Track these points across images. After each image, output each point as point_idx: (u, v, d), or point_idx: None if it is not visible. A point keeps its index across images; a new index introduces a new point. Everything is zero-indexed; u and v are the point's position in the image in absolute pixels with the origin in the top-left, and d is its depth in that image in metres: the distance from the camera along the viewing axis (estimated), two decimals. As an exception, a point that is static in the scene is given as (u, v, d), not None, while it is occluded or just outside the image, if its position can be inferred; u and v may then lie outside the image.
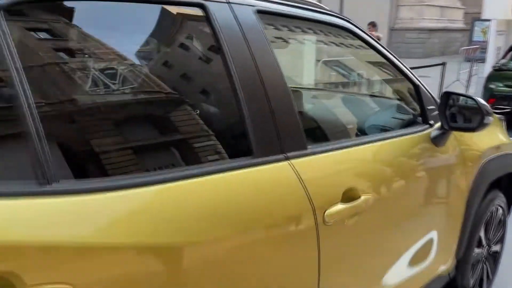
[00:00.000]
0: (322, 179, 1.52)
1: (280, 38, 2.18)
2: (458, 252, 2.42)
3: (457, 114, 2.20)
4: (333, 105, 2.81)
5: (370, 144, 1.79)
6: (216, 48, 1.37)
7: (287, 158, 1.43)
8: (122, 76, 1.23)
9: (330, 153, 1.60)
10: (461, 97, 2.18)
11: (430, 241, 2.16)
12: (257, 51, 1.44)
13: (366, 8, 20.01)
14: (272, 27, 1.85)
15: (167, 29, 1.40)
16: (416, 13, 22.95)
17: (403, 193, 1.90)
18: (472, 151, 2.43)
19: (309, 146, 1.55)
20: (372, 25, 10.20)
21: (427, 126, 2.12)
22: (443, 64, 9.05)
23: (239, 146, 1.40)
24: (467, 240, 2.46)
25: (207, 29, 1.37)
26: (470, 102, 2.15)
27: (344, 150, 1.66)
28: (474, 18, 20.51)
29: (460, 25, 26.42)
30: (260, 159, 1.36)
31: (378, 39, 7.49)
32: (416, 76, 2.18)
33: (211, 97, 1.43)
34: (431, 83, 10.40)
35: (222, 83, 1.42)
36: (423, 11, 23.00)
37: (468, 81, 11.19)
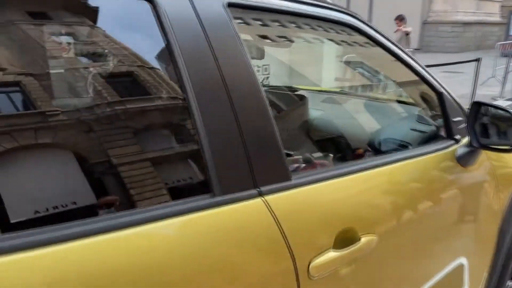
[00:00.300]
0: (307, 220, 1.18)
1: (266, 38, 1.86)
2: (488, 287, 2.06)
3: (489, 125, 1.83)
4: (340, 113, 2.44)
5: (378, 169, 1.43)
6: (165, 52, 1.05)
7: (260, 194, 1.11)
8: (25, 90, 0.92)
9: (323, 183, 1.26)
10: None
11: (453, 279, 1.81)
12: (223, 55, 1.11)
13: (397, 0, 19.34)
14: (252, 24, 1.52)
15: (101, 29, 1.08)
16: (451, 5, 22.08)
17: (417, 229, 1.55)
18: (507, 168, 2.06)
19: (295, 176, 1.22)
20: (400, 19, 9.54)
21: (452, 142, 1.76)
22: (478, 60, 8.49)
23: (192, 181, 1.08)
24: (500, 272, 2.10)
25: (155, 29, 1.05)
26: (504, 113, 1.77)
27: (342, 178, 1.32)
28: (511, 11, 19.63)
29: (496, 18, 25.36)
30: (221, 198, 1.04)
31: (407, 34, 7.02)
32: (440, 81, 1.81)
33: (155, 115, 1.10)
34: (465, 79, 9.92)
35: (170, 96, 1.10)
36: (458, 4, 22.12)
37: (504, 78, 10.57)
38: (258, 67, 4.70)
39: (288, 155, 2.17)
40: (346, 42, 2.03)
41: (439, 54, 17.33)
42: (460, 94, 7.80)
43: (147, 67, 1.08)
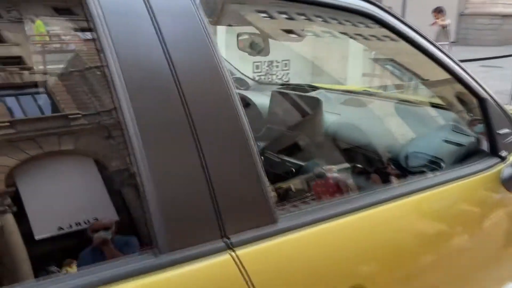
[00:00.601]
0: (297, 282, 0.87)
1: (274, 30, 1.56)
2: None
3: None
4: (360, 118, 2.07)
5: (402, 200, 1.10)
6: (94, 48, 0.75)
7: (229, 247, 0.80)
8: None
9: (324, 225, 0.94)
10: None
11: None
12: (180, 55, 0.80)
13: (433, -8, 18.58)
14: (257, 14, 1.22)
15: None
16: (489, -4, 21.13)
17: (453, 267, 1.22)
18: None
19: (284, 216, 0.90)
20: (438, 11, 8.93)
21: (496, 160, 1.41)
22: (519, 54, 7.94)
23: (125, 232, 0.78)
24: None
25: (81, 17, 0.76)
26: None
27: (351, 216, 0.99)
28: (555, 2, 18.68)
29: (538, 9, 24.19)
30: (169, 256, 0.74)
31: (444, 27, 6.51)
32: (482, 84, 1.46)
33: (69, 134, 0.80)
34: (504, 74, 9.34)
35: (95, 109, 0.80)
36: (497, -5, 21.14)
37: (547, 73, 9.93)
38: (277, 62, 4.40)
39: (300, 166, 1.86)
40: (371, 36, 1.71)
41: (477, 47, 16.57)
42: (499, 90, 7.29)
43: (56, 74, 0.78)
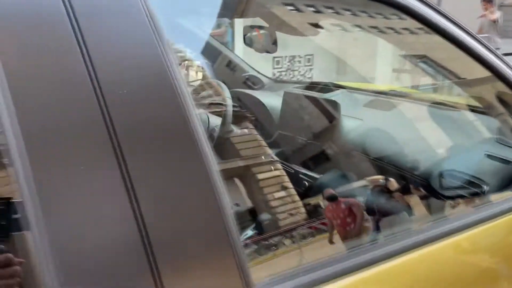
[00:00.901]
0: None
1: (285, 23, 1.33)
2: None
3: None
4: (384, 124, 1.77)
5: (436, 245, 0.84)
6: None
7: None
8: None
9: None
10: None
11: None
12: (106, 50, 0.56)
13: (471, -18, 17.90)
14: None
15: None
16: (531, -14, 20.27)
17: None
18: None
19: (264, 277, 0.65)
20: (487, 0, 8.19)
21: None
22: None
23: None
24: None
25: None
26: None
27: (365, 272, 0.73)
28: None
29: None
30: None
31: (494, 21, 5.97)
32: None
33: None
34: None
35: None
36: (540, -16, 20.27)
37: None
38: (300, 57, 4.11)
39: (312, 177, 1.60)
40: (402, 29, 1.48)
41: (517, 40, 15.88)
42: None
43: None
